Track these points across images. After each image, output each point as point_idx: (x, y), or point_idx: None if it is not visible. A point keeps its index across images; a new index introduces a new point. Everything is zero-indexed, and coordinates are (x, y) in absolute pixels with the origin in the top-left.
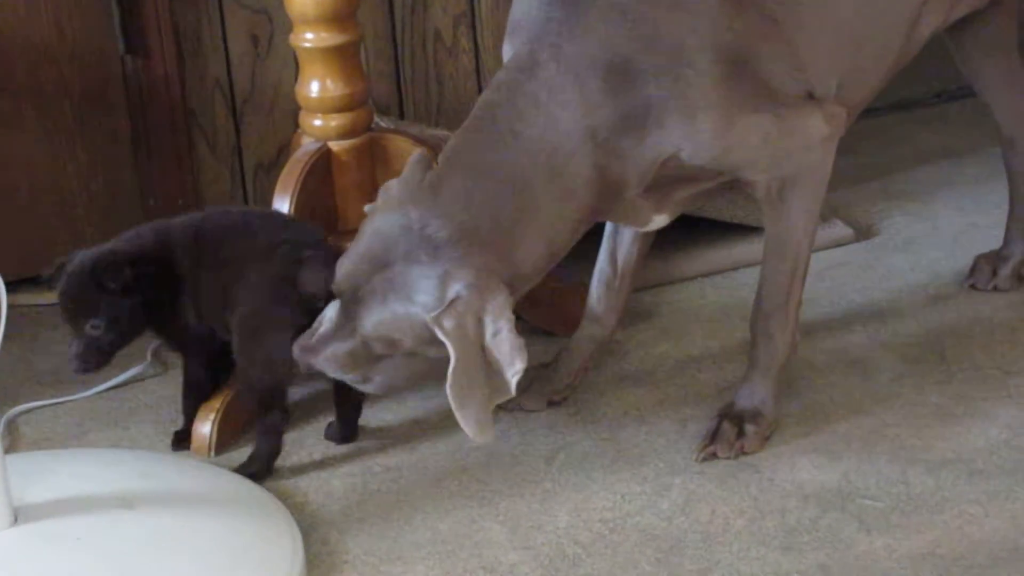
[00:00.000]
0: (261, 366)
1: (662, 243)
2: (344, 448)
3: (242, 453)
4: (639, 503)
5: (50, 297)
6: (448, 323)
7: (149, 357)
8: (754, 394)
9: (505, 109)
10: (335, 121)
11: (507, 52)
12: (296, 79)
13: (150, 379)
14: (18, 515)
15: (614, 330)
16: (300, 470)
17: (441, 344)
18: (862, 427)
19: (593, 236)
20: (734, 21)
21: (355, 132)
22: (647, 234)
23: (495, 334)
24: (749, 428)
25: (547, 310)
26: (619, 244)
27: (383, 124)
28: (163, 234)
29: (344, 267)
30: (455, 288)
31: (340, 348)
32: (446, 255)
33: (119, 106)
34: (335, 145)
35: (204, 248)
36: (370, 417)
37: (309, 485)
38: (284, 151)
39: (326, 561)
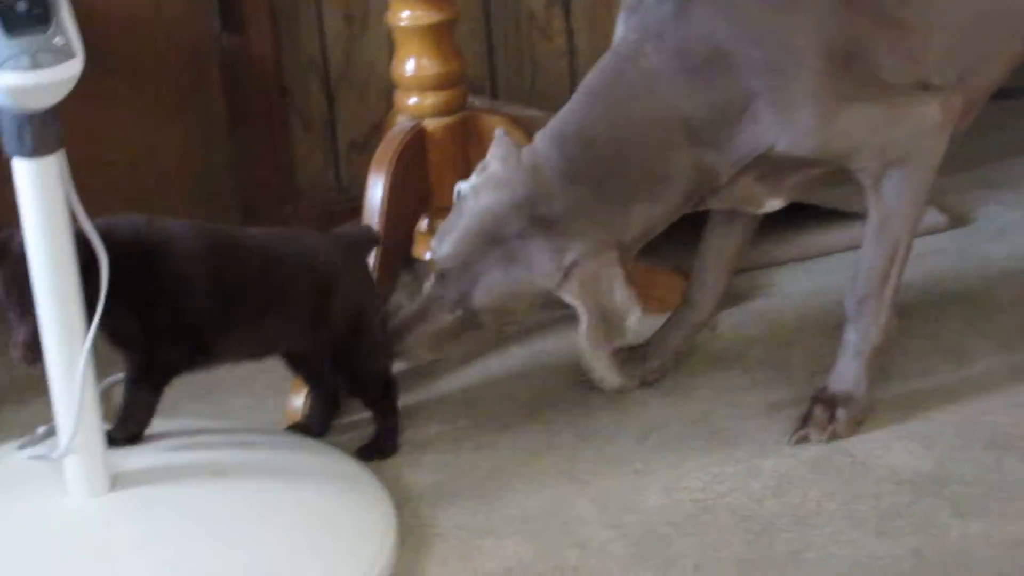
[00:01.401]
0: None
1: (759, 227)
2: (436, 425)
3: (333, 426)
4: (731, 484)
5: None
6: (572, 287)
7: None
8: (846, 378)
9: (606, 96)
10: (430, 99)
11: (618, 29)
12: (390, 58)
13: None
14: (115, 482)
15: (710, 315)
16: None
17: (543, 305)
18: (957, 414)
19: (693, 221)
20: (845, 19)
21: (450, 111)
22: (751, 223)
23: (612, 292)
24: (841, 413)
25: (641, 292)
26: (723, 232)
27: (477, 103)
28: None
29: (450, 244)
30: (570, 257)
31: (430, 327)
32: (558, 230)
33: (215, 84)
34: (430, 123)
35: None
36: (461, 395)
37: (402, 460)
38: (377, 129)
39: (417, 534)
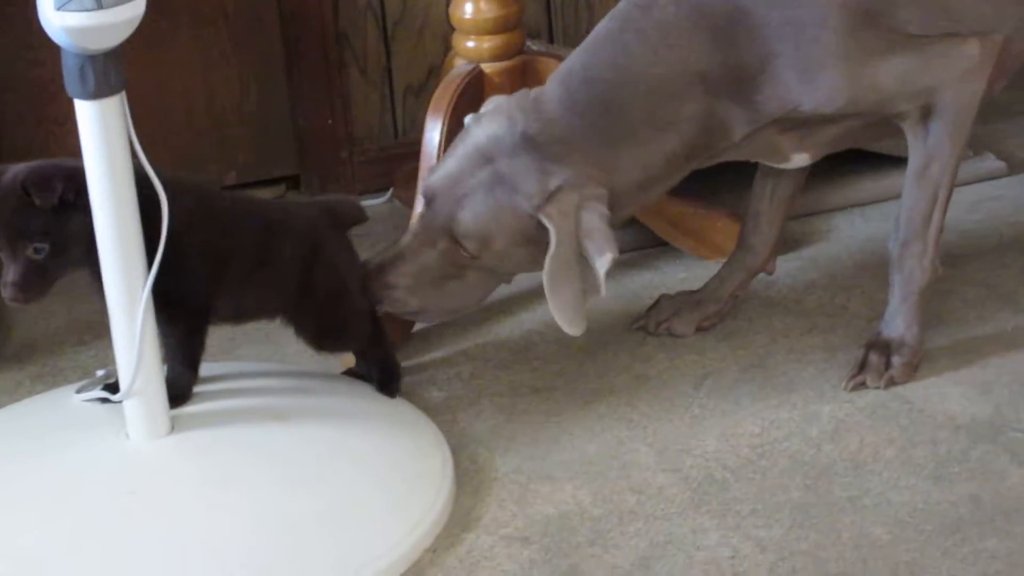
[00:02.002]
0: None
1: (812, 173)
2: (493, 369)
3: None
4: (787, 430)
5: None
6: (551, 210)
7: None
8: (897, 323)
9: (614, 40)
10: (488, 43)
11: None
12: (447, 2)
13: None
14: (175, 424)
15: (766, 260)
16: (449, 388)
17: (528, 245)
18: (1014, 360)
19: (748, 166)
20: None
21: (508, 54)
22: (806, 169)
23: (590, 227)
24: (896, 359)
25: (695, 237)
26: (774, 175)
27: (534, 47)
28: None
29: (443, 167)
30: (555, 182)
31: (412, 265)
32: (548, 152)
33: (272, 28)
34: (488, 67)
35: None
36: (517, 340)
37: (458, 404)
38: (433, 73)
39: (475, 479)
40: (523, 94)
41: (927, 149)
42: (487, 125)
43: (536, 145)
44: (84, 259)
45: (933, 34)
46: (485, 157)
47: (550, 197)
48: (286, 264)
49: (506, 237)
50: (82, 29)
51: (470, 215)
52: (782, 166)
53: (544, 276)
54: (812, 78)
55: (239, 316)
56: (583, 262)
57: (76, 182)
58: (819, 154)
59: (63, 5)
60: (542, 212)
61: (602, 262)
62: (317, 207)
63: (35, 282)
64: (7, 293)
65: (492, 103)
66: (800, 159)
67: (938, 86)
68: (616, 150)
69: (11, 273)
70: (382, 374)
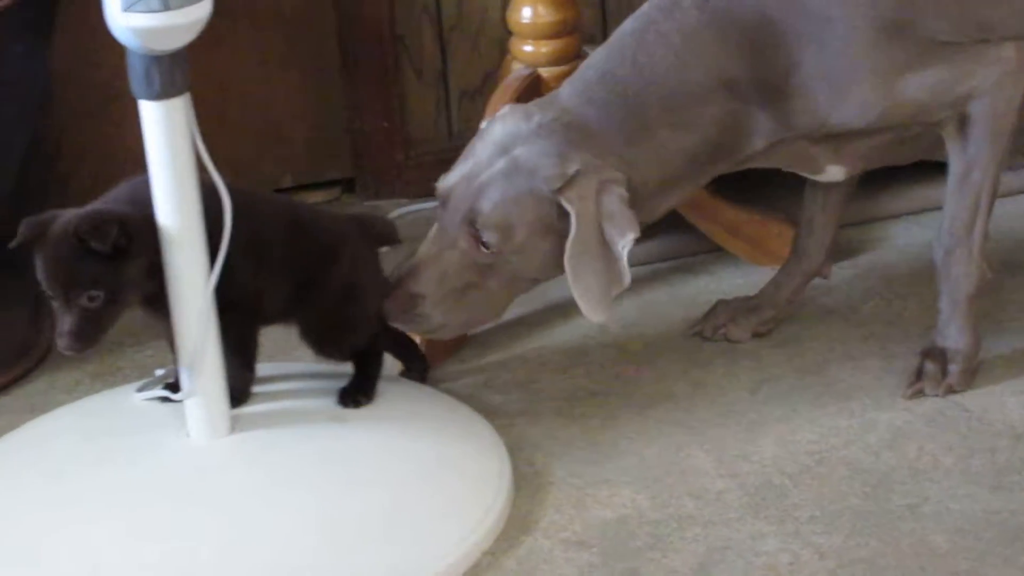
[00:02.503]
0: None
1: (868, 180)
2: (550, 373)
3: (448, 372)
4: (845, 437)
5: None
6: (571, 193)
7: None
8: (950, 331)
9: (635, 39)
10: (545, 47)
11: None
12: (503, 6)
13: None
14: (235, 424)
15: (822, 265)
16: (506, 392)
17: (550, 236)
18: None
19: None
20: None
21: (565, 59)
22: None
23: (610, 209)
24: (952, 367)
25: (751, 243)
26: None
27: (589, 52)
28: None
29: (456, 168)
30: (574, 166)
31: (434, 270)
32: (566, 138)
33: (329, 30)
34: (545, 71)
35: None
36: (575, 343)
37: (515, 407)
38: (489, 78)
39: (532, 482)
40: (545, 98)
41: (967, 157)
42: (503, 122)
43: (553, 131)
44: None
45: (965, 41)
46: (502, 148)
47: (569, 181)
48: (308, 265)
49: (527, 226)
50: (149, 30)
51: (489, 203)
52: (817, 178)
53: (566, 261)
54: (841, 92)
55: (282, 316)
56: (606, 249)
57: (129, 227)
58: (856, 168)
59: (130, 6)
60: (562, 195)
61: (623, 243)
62: (350, 219)
63: (90, 331)
64: (62, 343)
65: (506, 109)
66: (835, 172)
67: (973, 94)
68: (634, 146)
69: (66, 323)
70: (362, 375)
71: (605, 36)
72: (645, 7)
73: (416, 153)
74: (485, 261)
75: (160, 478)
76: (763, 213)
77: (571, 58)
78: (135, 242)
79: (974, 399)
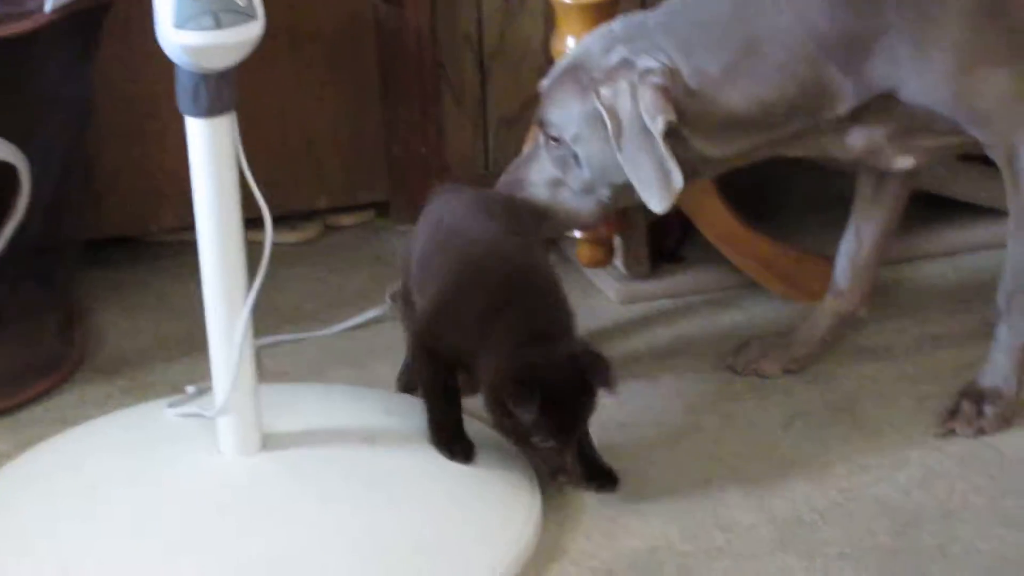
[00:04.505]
0: None
1: (906, 220)
2: None
3: (476, 397)
4: (876, 475)
5: (294, 236)
6: (607, 88)
7: (388, 300)
8: (996, 374)
9: None
10: None
11: None
12: (546, 35)
13: (388, 321)
14: (266, 442)
15: (858, 306)
16: None
17: (600, 128)
18: None
19: (840, 209)
20: None
21: None
22: (895, 210)
23: (644, 98)
24: (988, 409)
25: (785, 279)
26: (866, 218)
27: None
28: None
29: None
30: (616, 57)
31: (532, 161)
32: (633, 47)
33: (369, 53)
34: None
35: None
36: None
37: None
38: (528, 106)
39: (562, 510)
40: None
41: (1020, 197)
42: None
43: (623, 41)
44: None
45: None
46: (575, 65)
47: (610, 73)
48: None
49: (577, 119)
50: (200, 48)
51: (548, 99)
52: (887, 168)
53: (618, 156)
54: (923, 57)
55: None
56: (650, 139)
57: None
58: (923, 161)
59: (183, 24)
60: (600, 87)
61: (655, 127)
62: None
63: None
64: (563, 477)
65: None
66: (904, 162)
67: None
68: (700, 81)
69: (571, 462)
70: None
71: None
72: None
73: (452, 178)
74: (557, 154)
75: (191, 493)
76: (799, 250)
77: None
78: None
79: (1007, 440)
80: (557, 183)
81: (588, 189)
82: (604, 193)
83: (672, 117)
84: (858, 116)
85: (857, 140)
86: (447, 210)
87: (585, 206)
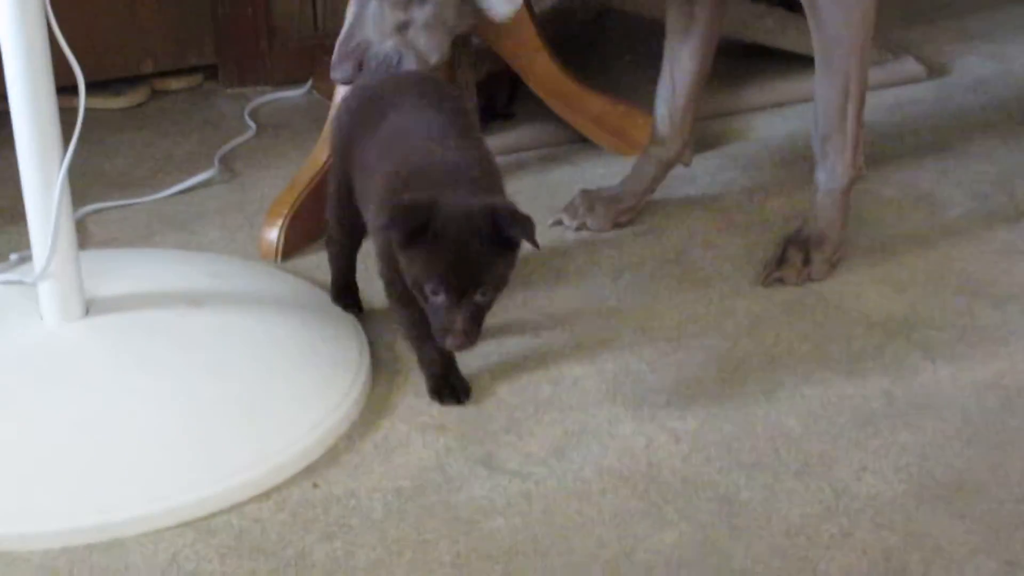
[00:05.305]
0: None
1: (733, 73)
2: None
3: (307, 260)
4: (704, 324)
5: (120, 102)
6: None
7: (217, 163)
8: (818, 219)
9: None
10: None
11: None
12: None
13: (217, 185)
14: (89, 307)
15: (680, 152)
16: (366, 280)
17: None
18: (929, 260)
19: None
20: None
21: None
22: (705, 55)
23: None
24: (815, 255)
25: (615, 133)
26: (677, 61)
27: None
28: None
29: None
30: None
31: (367, 23)
32: None
33: None
34: None
35: None
36: None
37: (375, 294)
38: None
39: (391, 368)
40: None
41: (827, 34)
42: None
43: None
44: None
45: None
46: None
47: None
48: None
49: None
50: None
51: None
52: None
53: None
54: None
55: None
56: None
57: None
58: None
59: None
60: None
61: None
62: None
63: (477, 328)
64: (455, 343)
65: None
66: None
67: None
68: None
69: (460, 321)
70: None
71: None
72: None
73: (280, 40)
74: None
75: (11, 361)
76: (628, 104)
77: None
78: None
79: (832, 288)
80: (402, 26)
81: (436, 18)
82: (450, 15)
83: None
84: None
85: None
86: (390, 103)
87: (435, 40)
